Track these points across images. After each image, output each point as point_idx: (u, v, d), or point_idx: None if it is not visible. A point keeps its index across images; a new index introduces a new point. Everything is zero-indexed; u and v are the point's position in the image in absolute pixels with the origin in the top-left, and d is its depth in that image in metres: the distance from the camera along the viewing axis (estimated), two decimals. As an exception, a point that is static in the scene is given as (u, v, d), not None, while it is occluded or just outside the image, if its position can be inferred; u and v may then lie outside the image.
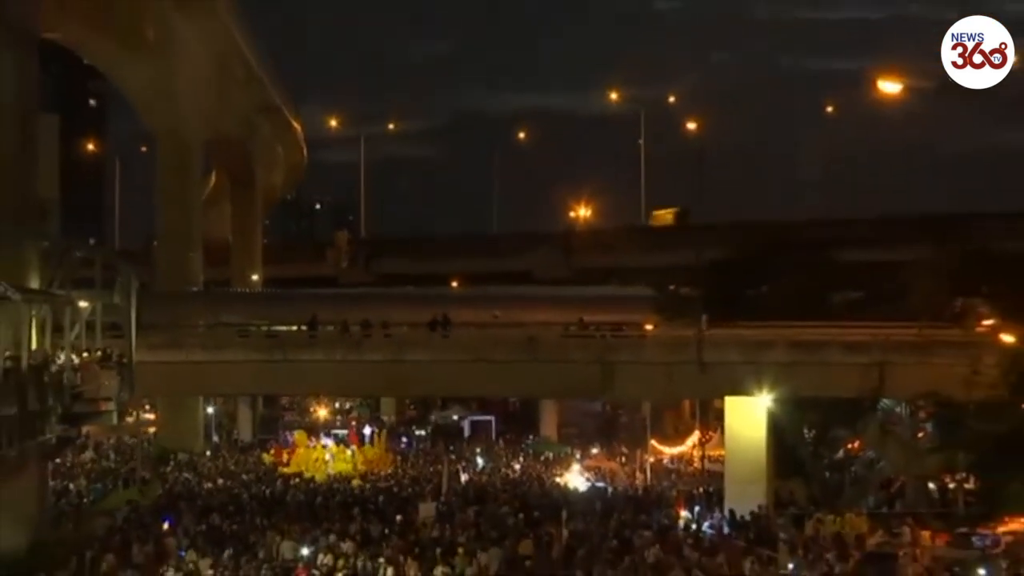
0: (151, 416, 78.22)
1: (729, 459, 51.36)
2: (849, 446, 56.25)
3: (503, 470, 64.84)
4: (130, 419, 62.63)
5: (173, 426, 72.44)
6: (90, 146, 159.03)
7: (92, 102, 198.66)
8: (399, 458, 68.96)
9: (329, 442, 70.09)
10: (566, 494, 54.42)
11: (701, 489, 54.51)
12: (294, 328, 61.20)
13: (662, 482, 60.08)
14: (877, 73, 29.95)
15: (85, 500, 52.92)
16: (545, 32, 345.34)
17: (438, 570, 35.96)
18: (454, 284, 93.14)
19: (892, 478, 53.93)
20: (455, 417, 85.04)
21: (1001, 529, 41.40)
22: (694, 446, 66.37)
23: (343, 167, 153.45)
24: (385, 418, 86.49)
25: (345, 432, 74.71)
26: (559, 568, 36.60)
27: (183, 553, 38.75)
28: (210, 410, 78.84)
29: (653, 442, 66.84)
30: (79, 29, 67.71)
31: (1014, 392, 42.72)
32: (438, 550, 38.25)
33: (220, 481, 57.68)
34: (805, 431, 53.33)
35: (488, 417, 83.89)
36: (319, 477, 60.52)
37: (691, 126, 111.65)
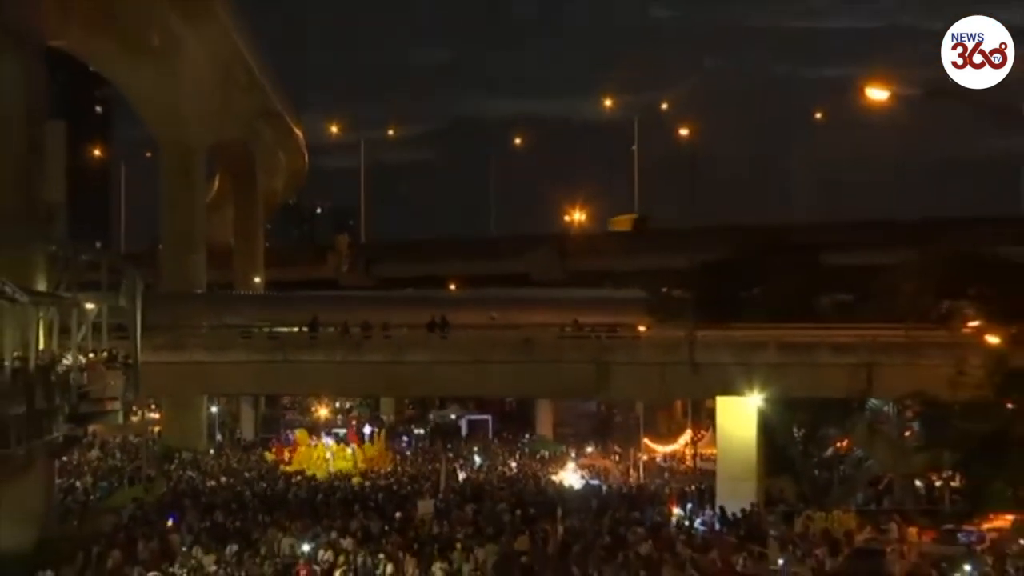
0: (156, 415, 78.28)
1: (721, 457, 51.41)
2: (838, 445, 56.24)
3: (500, 468, 64.85)
4: (135, 418, 62.74)
5: (177, 425, 72.43)
6: (96, 152, 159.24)
7: (98, 109, 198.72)
8: (398, 456, 69.03)
9: (330, 441, 70.04)
10: (561, 492, 54.44)
11: (693, 487, 54.53)
12: (295, 329, 61.18)
13: (655, 480, 60.16)
14: (865, 80, 29.72)
15: (91, 497, 52.89)
16: (542, 39, 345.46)
17: (436, 566, 35.95)
18: (452, 287, 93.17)
19: (880, 476, 54.00)
20: (453, 416, 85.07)
21: (986, 526, 41.50)
22: (686, 445, 66.43)
23: (343, 172, 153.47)
24: (384, 417, 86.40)
25: (345, 431, 74.69)
26: (554, 564, 36.60)
27: (187, 549, 38.80)
28: (213, 409, 78.79)
29: (646, 441, 66.92)
30: (85, 37, 67.65)
31: (998, 392, 42.79)
32: (436, 546, 38.33)
33: (223, 479, 57.66)
34: (795, 430, 53.37)
35: (485, 416, 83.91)
36: (320, 475, 60.50)
37: (684, 132, 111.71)
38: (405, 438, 79.05)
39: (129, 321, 44.77)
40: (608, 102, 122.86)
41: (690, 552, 37.84)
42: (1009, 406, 43.26)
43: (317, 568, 36.02)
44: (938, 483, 52.05)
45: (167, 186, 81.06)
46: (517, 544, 39.22)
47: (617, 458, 68.92)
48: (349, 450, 67.76)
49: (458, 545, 38.29)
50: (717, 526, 45.05)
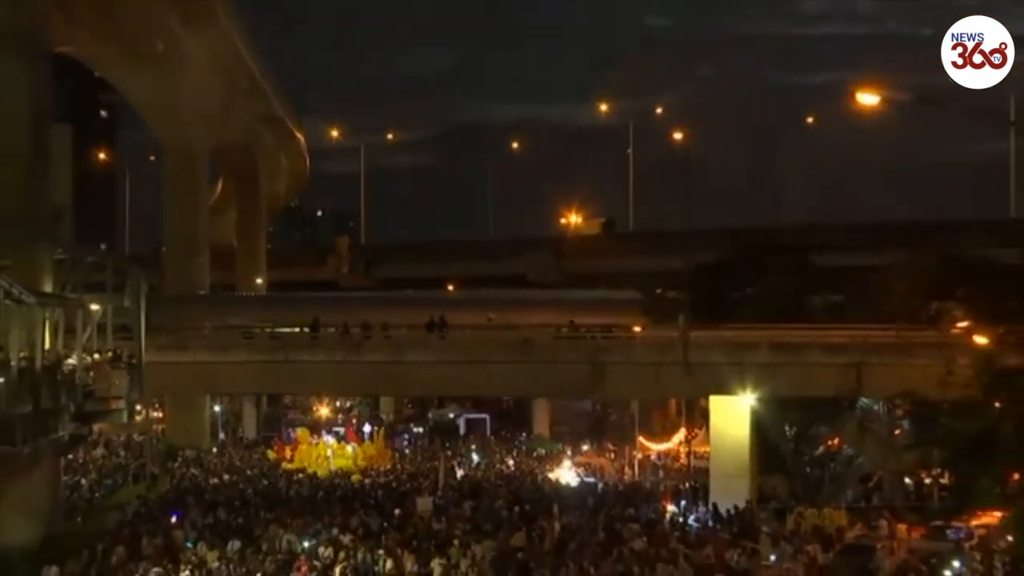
0: (159, 414, 78.18)
1: (714, 455, 51.46)
2: (829, 443, 56.31)
3: (497, 466, 64.89)
4: (139, 417, 62.53)
5: (181, 424, 72.42)
6: (101, 155, 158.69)
7: (103, 113, 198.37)
8: (398, 454, 69.02)
9: (330, 439, 70.09)
10: (558, 489, 54.45)
11: (687, 484, 54.54)
12: (297, 330, 61.17)
13: (650, 477, 60.20)
14: (856, 86, 29.64)
15: (96, 495, 52.88)
16: (539, 45, 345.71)
17: (435, 562, 35.96)
18: (450, 288, 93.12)
19: (870, 473, 54.04)
20: (451, 415, 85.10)
21: (974, 522, 41.47)
22: (680, 443, 66.41)
23: (344, 176, 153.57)
24: (384, 416, 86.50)
25: (344, 429, 74.75)
26: (551, 559, 36.60)
27: (191, 545, 38.81)
28: (216, 408, 78.79)
29: (641, 439, 66.92)
30: (90, 43, 67.68)
31: (986, 392, 42.72)
32: (434, 542, 38.33)
33: (226, 476, 57.67)
34: (787, 429, 53.43)
35: (483, 415, 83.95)
36: (321, 473, 60.50)
37: (678, 136, 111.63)
38: (405, 437, 79.06)
39: (134, 322, 44.75)
40: (604, 107, 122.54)
41: (684, 548, 37.85)
42: (997, 405, 43.21)
43: (318, 564, 36.01)
44: (927, 480, 52.08)
45: (171, 189, 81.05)
46: (514, 540, 39.23)
47: (612, 456, 68.97)
48: (349, 448, 67.78)
49: (456, 541, 38.32)
50: (710, 523, 45.08)
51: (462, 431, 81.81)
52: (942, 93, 28.94)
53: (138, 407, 55.57)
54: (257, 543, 38.91)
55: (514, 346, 53.13)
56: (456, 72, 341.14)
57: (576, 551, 37.27)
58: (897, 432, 54.25)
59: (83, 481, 55.23)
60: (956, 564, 35.31)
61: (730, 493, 47.48)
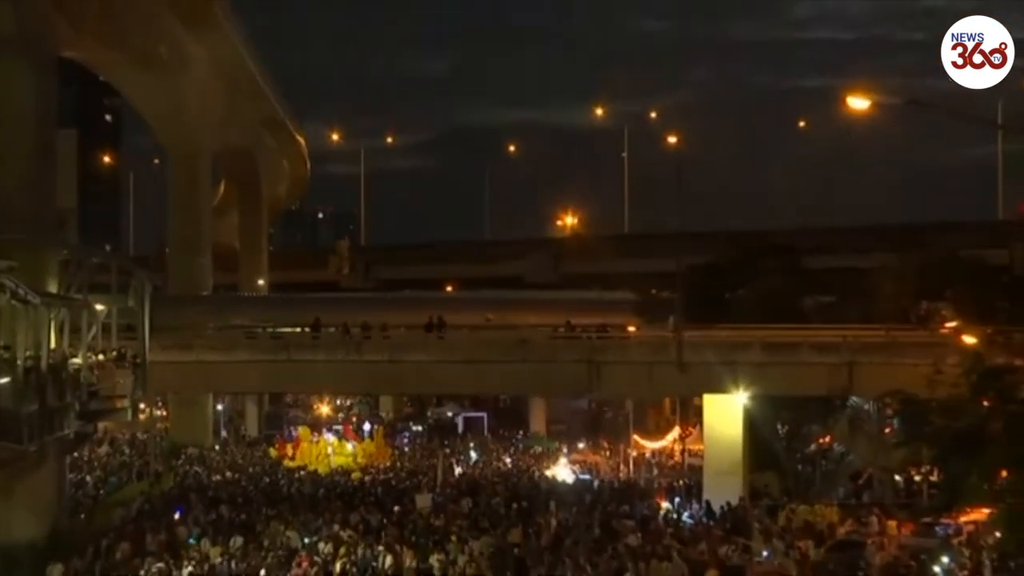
0: (163, 413, 78.15)
1: (707, 453, 51.43)
2: (820, 441, 56.26)
3: (495, 463, 64.86)
4: (143, 416, 62.50)
5: (184, 422, 72.32)
6: (106, 159, 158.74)
7: (108, 118, 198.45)
8: (397, 452, 68.97)
9: (331, 437, 70.04)
10: (554, 486, 54.40)
11: (681, 481, 54.51)
12: (298, 330, 61.12)
13: (644, 475, 60.18)
14: (846, 90, 29.56)
15: (101, 492, 52.82)
16: (537, 50, 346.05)
17: (433, 557, 35.95)
18: (449, 289, 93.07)
19: (860, 471, 53.98)
20: (450, 414, 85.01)
21: (962, 518, 41.38)
22: (674, 441, 66.38)
23: (344, 179, 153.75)
24: (384, 415, 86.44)
25: (341, 428, 74.74)
26: (547, 555, 36.57)
27: (193, 541, 38.77)
28: (219, 407, 78.72)
29: (636, 437, 66.86)
30: (95, 49, 67.62)
31: (974, 391, 42.64)
32: (433, 538, 38.29)
33: (228, 474, 57.60)
34: (779, 427, 53.41)
35: (481, 414, 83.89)
36: (322, 470, 60.46)
37: (672, 140, 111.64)
38: (404, 435, 79.00)
39: (138, 322, 44.71)
40: (600, 111, 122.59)
41: (678, 544, 37.82)
42: (985, 404, 43.17)
43: (318, 560, 35.98)
44: (917, 478, 51.96)
45: (174, 192, 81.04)
46: (511, 536, 39.22)
47: (608, 454, 68.89)
48: (349, 446, 67.74)
49: (454, 537, 38.29)
50: (704, 519, 45.04)
51: (460, 429, 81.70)
52: (933, 97, 28.84)
53: (142, 406, 55.52)
54: (259, 539, 38.88)
55: (511, 346, 53.13)
56: (455, 76, 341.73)
57: (572, 547, 37.23)
58: (887, 430, 54.13)
59: (88, 478, 55.17)
60: (945, 560, 35.30)
61: (723, 490, 47.43)
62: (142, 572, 34.65)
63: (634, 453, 64.66)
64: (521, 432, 79.89)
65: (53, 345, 38.61)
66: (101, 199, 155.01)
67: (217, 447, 70.25)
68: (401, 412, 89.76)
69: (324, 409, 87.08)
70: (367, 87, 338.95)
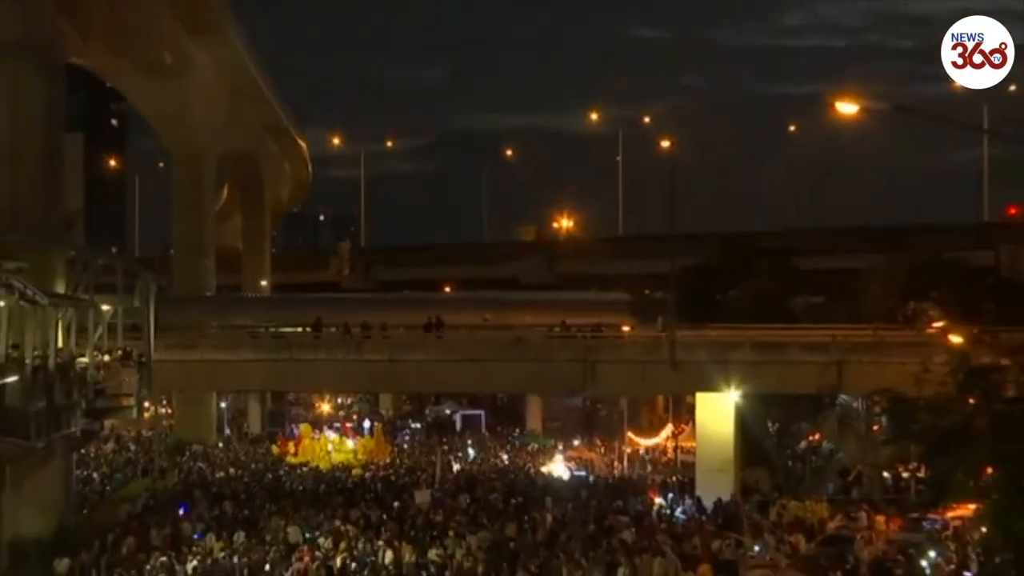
0: (168, 411, 78.12)
1: (700, 450, 51.41)
2: (810, 438, 56.26)
3: (492, 460, 64.84)
4: (148, 413, 62.53)
5: (188, 420, 72.30)
6: (112, 163, 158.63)
7: (114, 122, 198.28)
8: (396, 449, 68.95)
9: (332, 434, 70.01)
10: (550, 482, 54.42)
11: (674, 478, 54.57)
12: (300, 330, 61.10)
13: (638, 471, 60.20)
14: (836, 96, 29.54)
15: (107, 488, 52.84)
16: (533, 56, 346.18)
17: (432, 552, 35.97)
18: (447, 289, 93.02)
19: (850, 467, 54.02)
20: (448, 411, 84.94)
21: (949, 514, 41.44)
22: (668, 438, 66.31)
23: (345, 182, 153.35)
24: (384, 412, 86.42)
25: (339, 426, 74.73)
26: (542, 550, 36.59)
27: (197, 536, 38.76)
28: (222, 405, 78.69)
29: (630, 434, 66.85)
30: (102, 55, 67.60)
31: (961, 389, 42.67)
32: (432, 533, 38.30)
33: (232, 470, 57.55)
34: (769, 424, 53.41)
35: (478, 412, 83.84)
36: (323, 467, 60.43)
37: (665, 144, 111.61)
38: (403, 432, 78.97)
39: (143, 322, 44.74)
40: (595, 116, 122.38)
41: (671, 539, 37.83)
42: (971, 402, 43.20)
43: (319, 554, 35.98)
44: (904, 474, 52.04)
45: (179, 195, 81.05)
46: (507, 531, 39.24)
47: (602, 451, 68.88)
48: (350, 443, 67.70)
49: (452, 532, 38.30)
50: (696, 515, 45.03)
51: (458, 427, 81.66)
52: (921, 102, 28.85)
53: (147, 404, 55.60)
54: (261, 534, 38.89)
55: (508, 345, 53.16)
56: (453, 82, 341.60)
57: (567, 542, 37.26)
58: (875, 428, 54.18)
59: (94, 475, 55.17)
60: (932, 554, 35.33)
61: (715, 486, 47.47)
62: (147, 566, 34.70)
63: (628, 450, 64.67)
64: (518, 429, 79.89)
65: (60, 344, 38.68)
66: (107, 202, 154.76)
67: (220, 444, 70.21)
68: (400, 410, 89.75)
69: (325, 407, 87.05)
70: (367, 93, 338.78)
